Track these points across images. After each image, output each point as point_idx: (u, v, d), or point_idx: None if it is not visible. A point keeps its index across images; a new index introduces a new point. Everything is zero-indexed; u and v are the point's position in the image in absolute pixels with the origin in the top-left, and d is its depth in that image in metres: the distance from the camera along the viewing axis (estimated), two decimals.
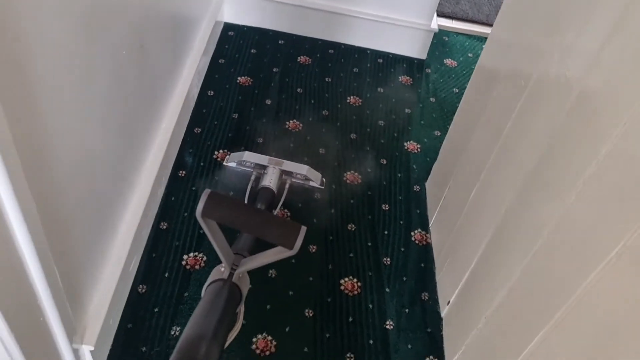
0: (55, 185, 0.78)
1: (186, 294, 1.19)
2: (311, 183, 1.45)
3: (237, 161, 1.44)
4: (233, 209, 0.84)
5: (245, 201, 1.33)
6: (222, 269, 0.90)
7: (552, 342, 0.77)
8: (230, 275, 0.88)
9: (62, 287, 0.81)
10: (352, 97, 1.80)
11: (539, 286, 0.84)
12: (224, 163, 1.47)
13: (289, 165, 1.41)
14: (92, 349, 0.94)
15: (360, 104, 1.78)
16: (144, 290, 1.19)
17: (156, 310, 1.16)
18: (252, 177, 1.41)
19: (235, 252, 0.93)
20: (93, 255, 0.99)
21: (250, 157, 1.43)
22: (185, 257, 1.26)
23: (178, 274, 1.23)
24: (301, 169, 1.42)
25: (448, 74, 2.00)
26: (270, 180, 1.35)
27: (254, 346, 1.13)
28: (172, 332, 1.12)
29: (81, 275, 0.94)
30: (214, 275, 0.91)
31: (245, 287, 0.92)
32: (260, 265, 0.89)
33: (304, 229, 0.82)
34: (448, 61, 2.05)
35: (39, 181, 0.71)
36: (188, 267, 1.25)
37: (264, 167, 1.40)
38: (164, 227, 1.31)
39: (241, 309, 0.92)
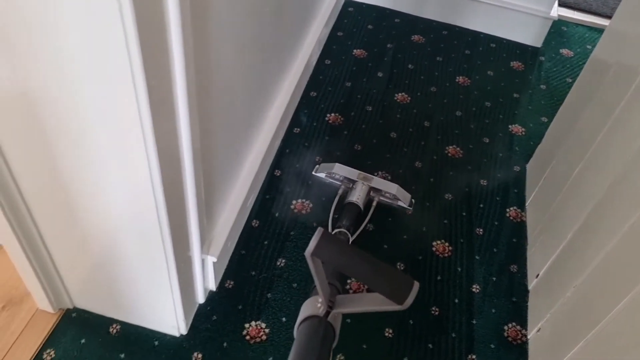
0: (212, 118, 0.94)
1: (292, 233, 1.34)
2: (399, 203, 1.40)
3: (327, 172, 1.43)
4: (344, 252, 0.79)
5: (331, 215, 1.34)
6: (319, 305, 0.85)
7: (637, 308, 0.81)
8: (327, 314, 0.84)
9: (204, 200, 0.98)
10: (461, 77, 1.85)
11: (632, 256, 0.87)
12: (314, 173, 1.46)
13: (378, 183, 1.39)
14: (215, 260, 1.10)
15: (468, 84, 1.83)
16: (257, 225, 1.34)
17: (266, 242, 1.31)
18: (340, 191, 1.40)
19: (329, 282, 0.89)
20: (224, 183, 1.15)
21: (340, 170, 1.42)
22: (294, 202, 1.41)
23: (287, 215, 1.37)
24: (390, 188, 1.39)
25: (563, 63, 1.98)
26: (357, 197, 1.34)
27: (347, 286, 1.25)
28: (278, 263, 1.27)
29: (215, 196, 1.10)
30: (308, 309, 0.87)
31: (338, 326, 0.88)
32: (361, 312, 0.84)
33: (416, 285, 0.77)
34: (564, 51, 2.03)
35: (202, 112, 0.86)
36: (296, 210, 1.39)
37: (353, 181, 1.40)
38: (278, 175, 1.47)
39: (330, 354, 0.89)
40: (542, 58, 1.99)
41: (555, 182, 1.34)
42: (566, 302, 1.07)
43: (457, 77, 1.85)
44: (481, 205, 1.47)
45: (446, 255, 1.34)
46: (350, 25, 2.00)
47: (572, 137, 1.29)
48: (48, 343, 1.07)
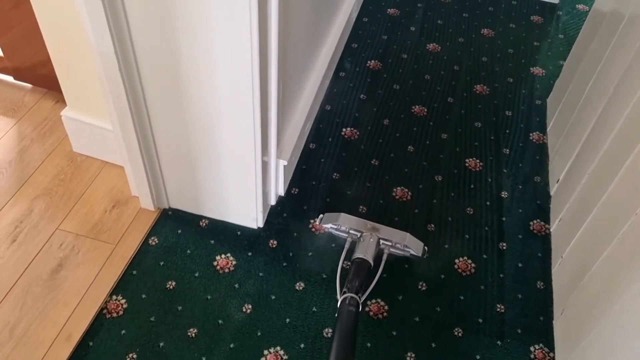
0: (288, 41, 1.16)
1: (344, 154, 1.56)
2: (412, 252, 1.30)
3: (332, 224, 1.33)
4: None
5: (338, 274, 1.24)
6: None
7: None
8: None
9: (281, 108, 1.20)
10: (485, 29, 2.05)
11: (628, 140, 1.07)
12: (318, 223, 1.36)
13: (387, 233, 1.29)
14: (286, 164, 1.33)
15: (492, 36, 2.03)
16: (314, 147, 1.57)
17: (322, 160, 1.53)
18: (347, 245, 1.29)
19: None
20: (290, 103, 1.38)
21: (346, 220, 1.32)
22: (344, 130, 1.63)
23: (338, 141, 1.59)
24: (401, 238, 1.28)
25: (579, 17, 2.16)
26: (366, 251, 1.23)
27: (394, 194, 1.47)
28: (334, 176, 1.49)
29: (284, 111, 1.33)
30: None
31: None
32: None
33: None
34: (580, 6, 2.21)
35: (283, 33, 1.09)
36: (346, 137, 1.61)
37: (360, 232, 1.29)
38: (328, 109, 1.69)
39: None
40: (560, 12, 2.17)
41: (570, 106, 1.53)
42: (581, 189, 1.27)
43: (482, 30, 2.05)
44: (507, 131, 1.67)
45: (478, 169, 1.55)
46: None
47: (580, 69, 1.49)
48: (152, 232, 1.31)
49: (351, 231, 1.30)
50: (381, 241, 1.28)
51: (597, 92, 1.32)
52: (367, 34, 1.99)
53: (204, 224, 1.35)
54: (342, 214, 1.33)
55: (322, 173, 1.50)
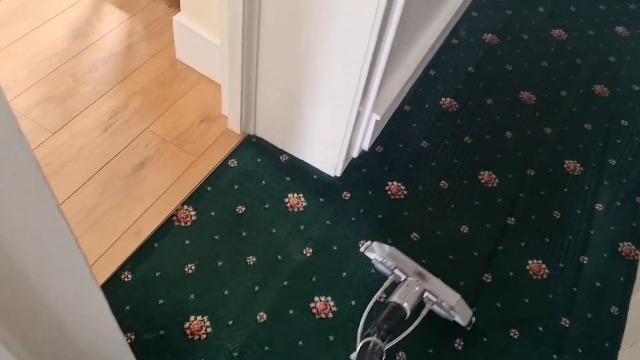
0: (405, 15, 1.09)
1: (438, 124, 1.49)
2: (456, 318, 1.11)
3: (377, 256, 1.14)
4: None
5: (367, 308, 1.07)
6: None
7: None
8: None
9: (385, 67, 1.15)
10: (620, 27, 1.87)
11: None
12: (361, 250, 1.21)
13: (436, 286, 1.08)
14: (379, 118, 1.28)
15: (627, 35, 1.85)
16: (408, 109, 1.51)
17: (414, 125, 1.48)
18: (387, 281, 1.12)
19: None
20: (397, 58, 1.31)
21: (394, 257, 1.12)
22: (443, 99, 1.55)
23: (435, 109, 1.52)
24: (450, 298, 1.08)
25: None
26: (406, 298, 1.03)
27: (480, 177, 1.39)
28: (422, 144, 1.43)
29: (392, 63, 1.27)
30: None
31: None
32: None
33: None
34: None
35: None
36: (444, 107, 1.53)
37: (406, 275, 1.10)
38: (432, 74, 1.61)
39: None
40: None
41: None
42: None
43: (617, 27, 1.87)
44: (618, 141, 1.53)
45: (576, 173, 1.44)
46: None
47: None
48: (232, 155, 1.32)
49: (396, 270, 1.11)
50: (426, 293, 1.07)
51: None
52: (491, 4, 1.86)
53: (284, 159, 1.34)
54: (392, 248, 1.13)
55: (411, 138, 1.45)
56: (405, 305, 1.01)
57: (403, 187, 1.34)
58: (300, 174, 1.32)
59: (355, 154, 1.37)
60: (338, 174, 1.33)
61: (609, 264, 1.28)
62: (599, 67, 1.72)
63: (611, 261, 1.29)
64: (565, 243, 1.30)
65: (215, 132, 1.35)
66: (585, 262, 1.27)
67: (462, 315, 1.09)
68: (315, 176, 1.32)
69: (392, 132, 1.45)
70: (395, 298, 1.03)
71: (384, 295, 1.12)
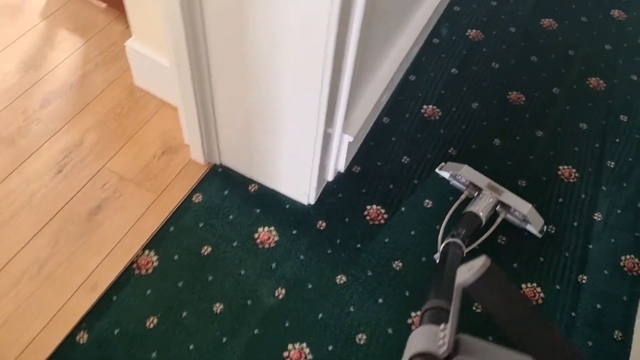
0: (373, 17, 0.98)
1: (419, 136, 1.38)
2: (528, 227, 1.21)
3: (452, 173, 1.26)
4: (512, 302, 0.60)
5: (446, 219, 1.19)
6: (440, 342, 0.66)
7: None
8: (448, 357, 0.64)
9: (355, 78, 1.04)
10: (616, 10, 1.74)
11: None
12: (437, 170, 1.30)
13: (509, 198, 1.19)
14: (352, 140, 1.18)
15: (623, 19, 1.72)
16: (387, 122, 1.40)
17: (393, 139, 1.37)
18: (463, 196, 1.23)
19: (431, 307, 0.75)
20: (368, 71, 1.21)
21: (468, 173, 1.24)
22: (425, 107, 1.44)
23: (416, 118, 1.42)
24: (523, 207, 1.19)
25: None
26: (481, 208, 1.15)
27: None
28: (403, 160, 1.33)
29: (358, 81, 1.16)
30: (424, 341, 0.67)
31: None
32: None
33: None
34: None
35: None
36: (426, 115, 1.42)
37: (479, 189, 1.21)
38: (412, 80, 1.50)
39: None
40: None
41: None
42: None
43: (612, 11, 1.74)
44: (617, 140, 1.42)
45: (571, 180, 1.33)
46: None
47: None
48: (197, 188, 1.23)
49: (471, 185, 1.23)
50: (499, 205, 1.20)
51: None
52: None
53: (253, 189, 1.24)
54: (466, 166, 1.25)
55: (391, 153, 1.34)
56: (481, 214, 1.13)
57: (383, 211, 1.24)
58: (271, 204, 1.22)
59: (330, 177, 1.27)
60: (312, 202, 1.23)
61: (610, 282, 1.18)
62: (594, 58, 1.60)
63: (613, 278, 1.18)
64: (562, 261, 1.20)
65: (178, 164, 1.26)
66: (584, 281, 1.17)
67: (534, 223, 1.19)
68: (287, 206, 1.23)
69: (370, 149, 1.35)
70: (471, 208, 1.15)
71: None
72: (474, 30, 1.64)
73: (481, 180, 1.23)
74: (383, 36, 1.24)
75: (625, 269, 1.20)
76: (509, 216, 1.20)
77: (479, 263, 0.56)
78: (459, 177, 1.25)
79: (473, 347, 0.65)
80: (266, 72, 0.98)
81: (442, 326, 0.66)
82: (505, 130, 1.41)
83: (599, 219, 1.27)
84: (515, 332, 0.61)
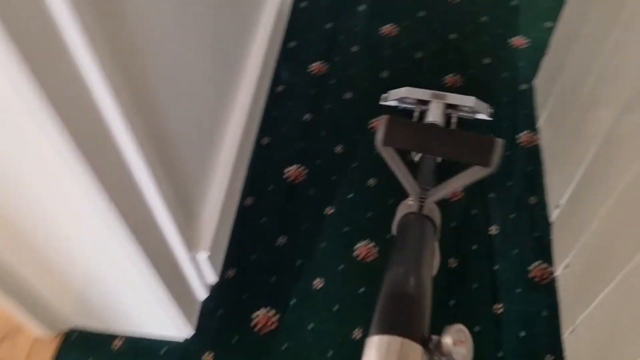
0: (158, 106, 0.83)
1: (289, 205, 1.25)
2: (478, 115, 1.31)
3: (397, 98, 1.34)
4: (415, 132, 0.76)
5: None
6: (410, 202, 0.83)
7: None
8: (421, 207, 0.81)
9: (176, 200, 0.89)
10: None
11: None
12: (381, 102, 1.37)
13: (453, 98, 1.29)
14: (209, 254, 1.03)
15: (460, 1, 1.65)
16: (250, 203, 1.26)
17: (263, 220, 1.23)
18: (416, 114, 1.31)
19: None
20: (201, 169, 1.06)
21: (411, 92, 1.33)
22: (287, 169, 1.31)
23: (282, 187, 1.28)
24: (467, 101, 1.29)
25: None
26: (435, 116, 1.24)
27: (356, 253, 1.17)
28: (278, 242, 1.19)
29: (192, 187, 1.01)
30: (402, 210, 0.84)
31: (438, 218, 0.85)
32: (456, 190, 0.83)
33: (499, 141, 0.73)
34: None
35: (141, 103, 0.75)
36: (291, 179, 1.29)
37: (426, 102, 1.30)
38: (266, 143, 1.36)
39: (436, 244, 0.85)
40: None
41: (567, 95, 1.19)
42: (592, 236, 0.97)
43: None
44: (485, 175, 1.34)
45: (457, 199, 1.24)
46: None
47: (581, 39, 1.13)
48: None
49: (418, 102, 1.31)
50: (448, 107, 1.28)
51: (615, 75, 0.96)
52: (307, 25, 1.62)
53: (118, 345, 1.06)
54: (406, 87, 1.32)
55: (264, 239, 1.20)
56: (436, 121, 1.21)
57: (272, 312, 1.10)
58: (144, 355, 1.05)
59: (203, 295, 1.11)
60: (191, 333, 1.07)
61: (525, 300, 1.09)
62: (443, 53, 1.52)
63: (527, 295, 1.10)
64: (473, 296, 1.10)
65: (23, 347, 1.06)
66: (500, 311, 1.08)
67: (482, 110, 1.29)
68: (164, 349, 1.06)
69: (240, 242, 1.20)
70: (427, 120, 1.22)
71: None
72: (317, 63, 1.52)
73: (424, 93, 1.31)
74: (209, 117, 1.09)
75: (536, 279, 1.12)
76: (460, 113, 1.29)
77: (382, 122, 0.70)
78: (405, 99, 1.32)
79: (435, 191, 0.81)
80: (69, 255, 0.81)
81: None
82: (379, 166, 1.30)
83: (496, 233, 1.19)
84: (439, 150, 0.76)
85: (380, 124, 0.72)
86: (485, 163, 0.73)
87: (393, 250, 0.76)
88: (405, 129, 0.75)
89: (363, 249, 1.18)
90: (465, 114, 1.29)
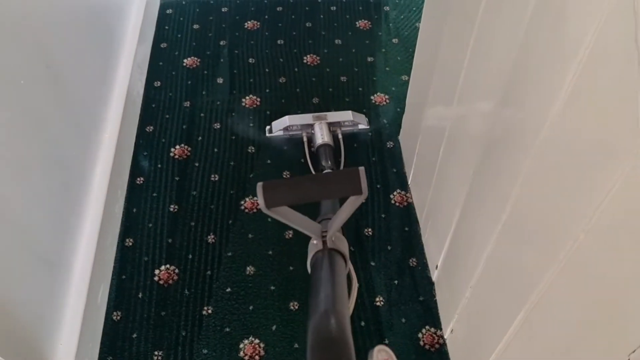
0: None
1: (163, 313, 1.14)
2: (360, 126, 1.46)
3: (282, 128, 1.43)
4: (291, 186, 0.83)
5: (309, 161, 1.37)
6: (315, 242, 0.89)
7: (540, 314, 0.70)
8: (324, 243, 0.88)
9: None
10: (308, 56, 1.67)
11: (514, 257, 0.76)
12: (267, 134, 1.45)
13: (333, 116, 1.44)
14: None
15: (318, 62, 1.66)
16: (119, 317, 1.13)
17: (134, 336, 1.11)
18: (304, 139, 1.41)
19: (320, 220, 0.94)
20: (46, 309, 0.93)
21: (294, 119, 1.43)
22: (157, 271, 1.20)
23: (152, 293, 1.17)
24: (346, 116, 1.44)
25: (408, 7, 1.84)
26: (322, 136, 1.37)
27: (241, 351, 1.08)
28: (155, 358, 1.08)
29: (38, 336, 0.88)
30: (310, 250, 0.90)
31: (344, 246, 0.91)
32: (344, 221, 0.86)
33: (361, 169, 0.80)
34: None
35: None
36: (162, 282, 1.19)
37: (311, 125, 1.42)
38: (130, 244, 1.25)
39: (350, 268, 0.90)
40: (387, 8, 1.84)
41: (427, 156, 1.21)
42: (468, 302, 0.96)
43: (305, 58, 1.67)
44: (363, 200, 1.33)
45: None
46: (173, 31, 1.75)
47: (432, 91, 1.15)
48: None
49: (303, 127, 1.43)
50: (332, 126, 1.42)
51: (467, 127, 0.95)
52: (164, 106, 1.53)
53: None
54: (288, 116, 1.43)
55: (138, 356, 1.08)
56: (326, 140, 1.37)
57: None
58: None
59: None
60: None
61: None
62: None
63: None
64: None
65: None
66: None
67: (360, 120, 1.46)
68: None
69: None
70: (318, 142, 1.37)
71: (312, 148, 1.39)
72: (179, 146, 1.44)
73: (306, 118, 1.43)
74: (41, 257, 0.97)
75: (427, 346, 1.10)
76: (343, 128, 1.44)
77: (258, 189, 0.77)
78: (290, 128, 1.43)
79: (330, 224, 0.87)
80: None
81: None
82: (258, 254, 1.24)
83: (382, 303, 1.16)
84: (314, 197, 0.83)
85: (258, 192, 0.78)
86: (357, 192, 0.80)
87: (310, 292, 0.79)
88: (279, 189, 0.80)
89: (249, 347, 1.09)
90: (347, 129, 1.45)
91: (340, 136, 1.41)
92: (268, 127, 1.46)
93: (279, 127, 1.43)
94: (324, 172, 1.28)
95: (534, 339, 0.72)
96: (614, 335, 0.55)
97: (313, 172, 1.35)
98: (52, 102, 1.01)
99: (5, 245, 0.81)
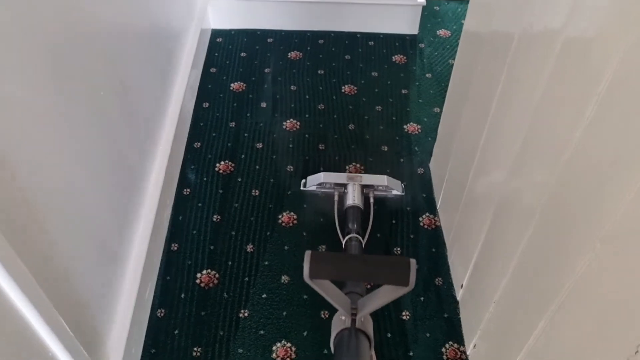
0: (47, 241, 0.81)
1: (203, 313, 1.22)
2: (394, 192, 1.44)
3: (316, 184, 1.43)
4: (338, 263, 0.85)
5: (336, 223, 1.33)
6: (343, 317, 0.89)
7: (557, 326, 0.76)
8: (353, 322, 0.87)
9: (73, 335, 0.85)
10: (346, 86, 1.79)
11: (538, 269, 0.83)
12: (302, 188, 1.46)
13: (367, 179, 1.41)
14: None
15: (355, 92, 1.77)
16: (163, 314, 1.22)
17: (176, 332, 1.19)
18: (336, 198, 1.40)
19: (347, 292, 0.93)
20: (105, 293, 1.02)
21: (328, 177, 1.43)
22: (198, 275, 1.29)
23: (194, 294, 1.26)
24: (381, 180, 1.42)
25: (442, 45, 1.95)
26: (354, 198, 1.34)
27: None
28: (194, 353, 1.16)
29: (96, 315, 0.97)
30: (336, 325, 0.90)
31: (370, 327, 0.91)
32: (381, 307, 0.87)
33: (413, 262, 0.80)
34: (441, 32, 2.01)
35: (27, 242, 0.73)
36: (202, 284, 1.28)
37: (344, 185, 1.40)
38: (175, 249, 1.34)
39: (372, 354, 0.90)
40: (422, 45, 1.95)
41: (456, 181, 1.29)
42: (491, 318, 1.02)
43: (343, 87, 1.78)
44: (393, 221, 1.41)
45: (368, 286, 1.27)
46: (222, 58, 1.89)
47: (459, 132, 1.24)
48: None
49: (335, 185, 1.42)
50: (365, 188, 1.40)
51: (495, 157, 1.03)
52: (211, 125, 1.66)
53: None
54: (323, 172, 1.45)
55: (179, 353, 1.16)
56: (355, 202, 1.33)
57: None
58: None
59: None
60: None
61: None
62: (343, 143, 1.61)
63: None
64: None
65: None
66: None
67: (395, 186, 1.43)
68: None
69: (153, 359, 1.15)
70: (348, 203, 1.34)
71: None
72: (223, 162, 1.55)
73: (340, 177, 1.42)
74: (100, 254, 1.07)
75: None
76: (375, 192, 1.40)
77: (306, 257, 0.79)
78: (324, 185, 1.43)
79: (364, 303, 0.88)
80: None
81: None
82: (290, 264, 1.32)
83: (408, 317, 1.23)
84: (361, 278, 0.89)
85: (305, 260, 0.79)
86: (404, 284, 0.80)
87: None
88: (327, 262, 0.83)
89: (281, 350, 1.17)
90: (380, 193, 1.42)
91: (371, 200, 1.38)
92: (303, 181, 1.47)
93: (313, 182, 1.44)
94: (373, 255, 1.21)
95: (548, 346, 0.79)
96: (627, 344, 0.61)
97: (339, 233, 1.30)
98: (122, 113, 1.13)
99: (78, 229, 0.91)
